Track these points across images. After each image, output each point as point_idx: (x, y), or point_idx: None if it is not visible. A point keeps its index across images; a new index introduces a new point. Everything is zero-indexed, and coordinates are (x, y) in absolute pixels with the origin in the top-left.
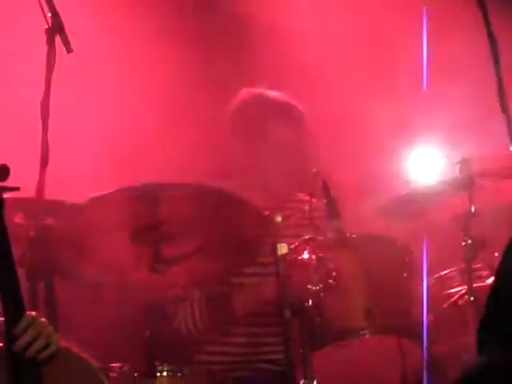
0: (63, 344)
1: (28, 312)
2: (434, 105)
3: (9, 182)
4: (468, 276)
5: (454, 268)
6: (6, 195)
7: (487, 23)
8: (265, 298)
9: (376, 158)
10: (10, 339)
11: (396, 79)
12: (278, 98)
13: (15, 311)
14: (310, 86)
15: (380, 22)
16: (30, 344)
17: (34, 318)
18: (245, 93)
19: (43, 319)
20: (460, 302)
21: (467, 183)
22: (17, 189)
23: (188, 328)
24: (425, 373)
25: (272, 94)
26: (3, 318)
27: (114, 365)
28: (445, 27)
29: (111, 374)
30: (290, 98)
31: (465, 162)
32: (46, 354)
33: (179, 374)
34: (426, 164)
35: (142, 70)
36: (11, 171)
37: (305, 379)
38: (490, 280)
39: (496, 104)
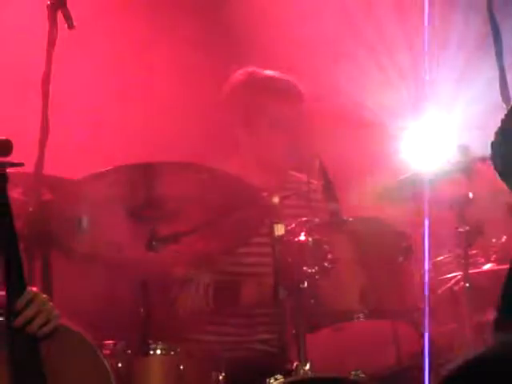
0: (62, 321)
1: (29, 287)
2: (435, 89)
3: (10, 158)
4: (464, 262)
5: (450, 254)
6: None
7: (491, 12)
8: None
9: (374, 141)
10: (11, 314)
11: (397, 59)
12: (277, 76)
13: (17, 286)
14: (307, 66)
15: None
16: (30, 320)
17: (35, 294)
18: (242, 72)
19: (44, 295)
20: (455, 288)
21: (465, 168)
22: (21, 164)
23: (189, 311)
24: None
25: (270, 72)
26: (4, 293)
27: (107, 342)
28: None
29: (104, 351)
30: (289, 76)
31: (463, 147)
32: (46, 330)
33: (173, 353)
34: (424, 148)
35: (141, 49)
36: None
37: (298, 361)
38: (486, 266)
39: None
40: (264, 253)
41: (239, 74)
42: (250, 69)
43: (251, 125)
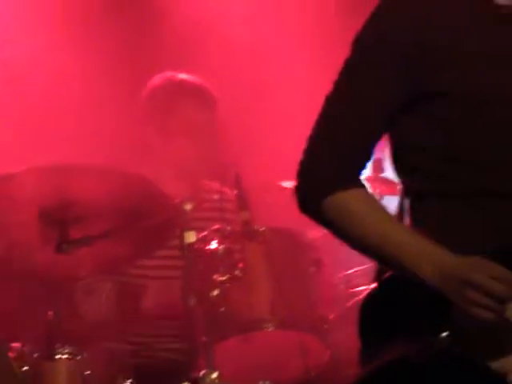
0: None
1: None
2: None
3: None
4: (375, 275)
5: (362, 267)
6: None
7: None
8: (173, 300)
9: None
10: None
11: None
12: (189, 80)
13: None
14: (223, 74)
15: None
16: None
17: None
18: (156, 77)
19: None
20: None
21: None
22: None
23: (93, 317)
24: None
25: (183, 76)
26: None
27: (14, 344)
28: None
29: (10, 354)
30: (203, 81)
31: None
32: None
33: (79, 358)
34: None
35: (61, 48)
36: None
37: (206, 369)
38: None
39: None
40: (172, 266)
41: (157, 78)
42: (169, 73)
43: (164, 128)
